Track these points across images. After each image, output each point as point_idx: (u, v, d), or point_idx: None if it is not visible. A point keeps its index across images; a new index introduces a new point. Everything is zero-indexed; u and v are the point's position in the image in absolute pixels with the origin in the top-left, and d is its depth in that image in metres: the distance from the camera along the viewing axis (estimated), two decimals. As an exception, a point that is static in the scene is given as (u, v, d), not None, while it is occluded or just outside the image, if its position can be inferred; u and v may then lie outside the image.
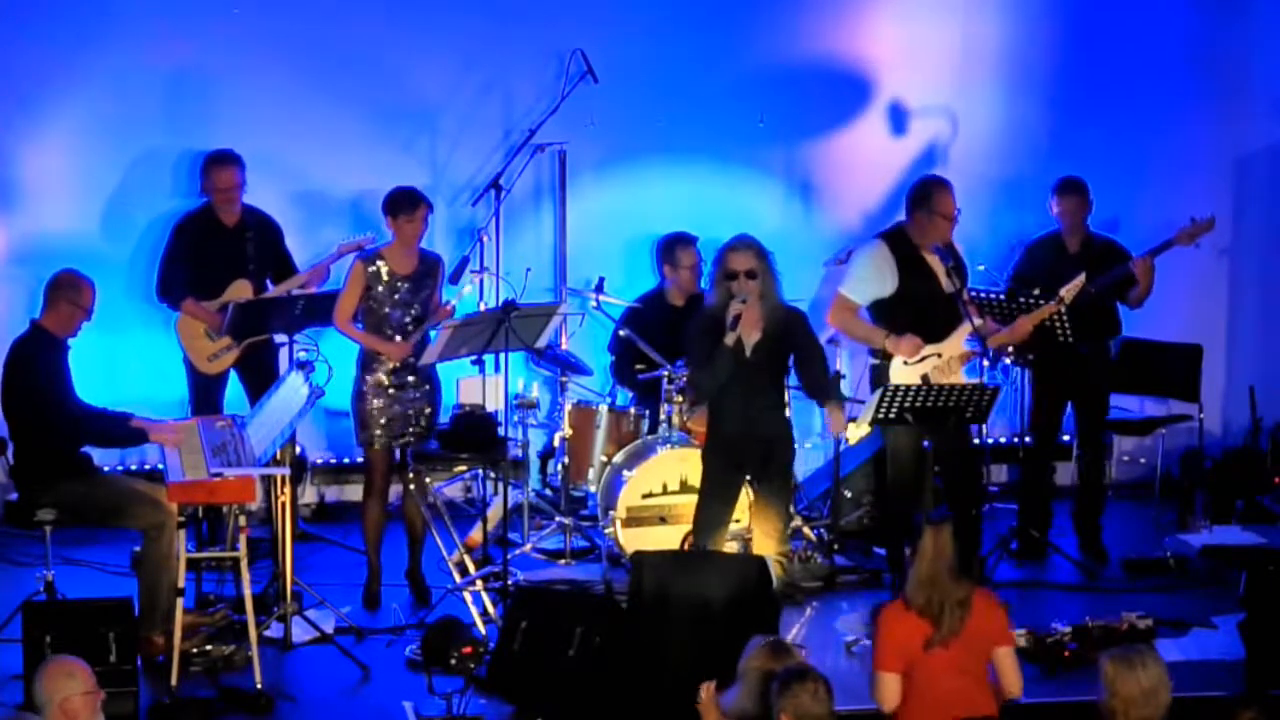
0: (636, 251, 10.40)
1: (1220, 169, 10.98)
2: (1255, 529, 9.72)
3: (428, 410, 8.92)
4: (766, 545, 8.23)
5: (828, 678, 5.93)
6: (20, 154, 10.20)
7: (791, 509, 9.60)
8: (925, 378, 8.64)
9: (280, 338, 9.43)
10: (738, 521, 8.63)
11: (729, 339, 8.07)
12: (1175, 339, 10.52)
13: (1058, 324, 9.21)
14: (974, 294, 9.03)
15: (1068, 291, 8.97)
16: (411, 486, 8.91)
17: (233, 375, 9.75)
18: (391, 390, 8.86)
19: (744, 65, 10.58)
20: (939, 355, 8.69)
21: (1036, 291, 9.12)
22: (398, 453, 8.94)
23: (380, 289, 8.85)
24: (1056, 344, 9.24)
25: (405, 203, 8.86)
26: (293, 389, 8.28)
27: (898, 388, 8.36)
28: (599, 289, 10.01)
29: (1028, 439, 9.75)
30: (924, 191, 8.76)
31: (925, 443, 8.50)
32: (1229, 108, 10.93)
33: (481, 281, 9.96)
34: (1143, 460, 10.94)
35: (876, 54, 10.70)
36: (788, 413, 8.49)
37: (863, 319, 8.79)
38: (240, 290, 9.60)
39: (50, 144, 10.18)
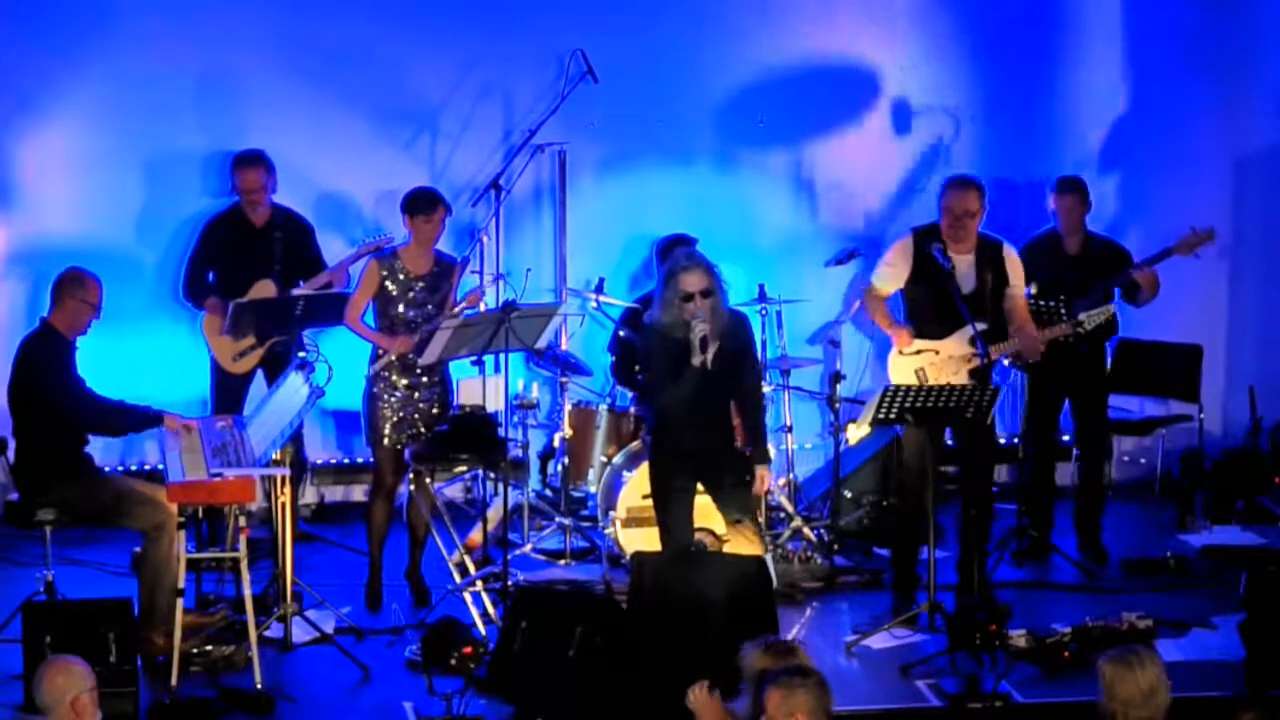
0: (636, 251, 10.40)
1: (1220, 169, 10.97)
2: (1255, 529, 9.72)
3: (436, 410, 8.92)
4: (747, 550, 8.19)
5: (826, 677, 5.93)
6: (20, 154, 10.20)
7: (789, 507, 9.67)
8: (920, 372, 8.69)
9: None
10: (707, 530, 8.63)
11: (697, 361, 7.99)
12: (1175, 339, 10.52)
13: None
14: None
15: (1089, 318, 9.01)
16: (413, 488, 8.91)
17: (258, 375, 9.76)
18: (403, 389, 8.87)
19: (744, 65, 10.58)
20: (936, 352, 8.74)
21: (1063, 297, 9.16)
22: (407, 453, 8.94)
23: (394, 288, 8.86)
24: (1054, 345, 9.24)
25: (423, 203, 8.88)
26: (293, 389, 8.28)
27: (898, 388, 8.38)
28: (599, 289, 10.02)
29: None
30: (941, 188, 8.91)
31: (949, 441, 8.55)
32: (1229, 108, 10.92)
33: (481, 281, 9.96)
34: (1143, 460, 10.94)
35: (877, 53, 10.70)
36: (736, 421, 8.45)
37: (888, 308, 8.96)
38: (263, 290, 9.59)
39: (51, 144, 10.18)
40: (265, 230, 9.69)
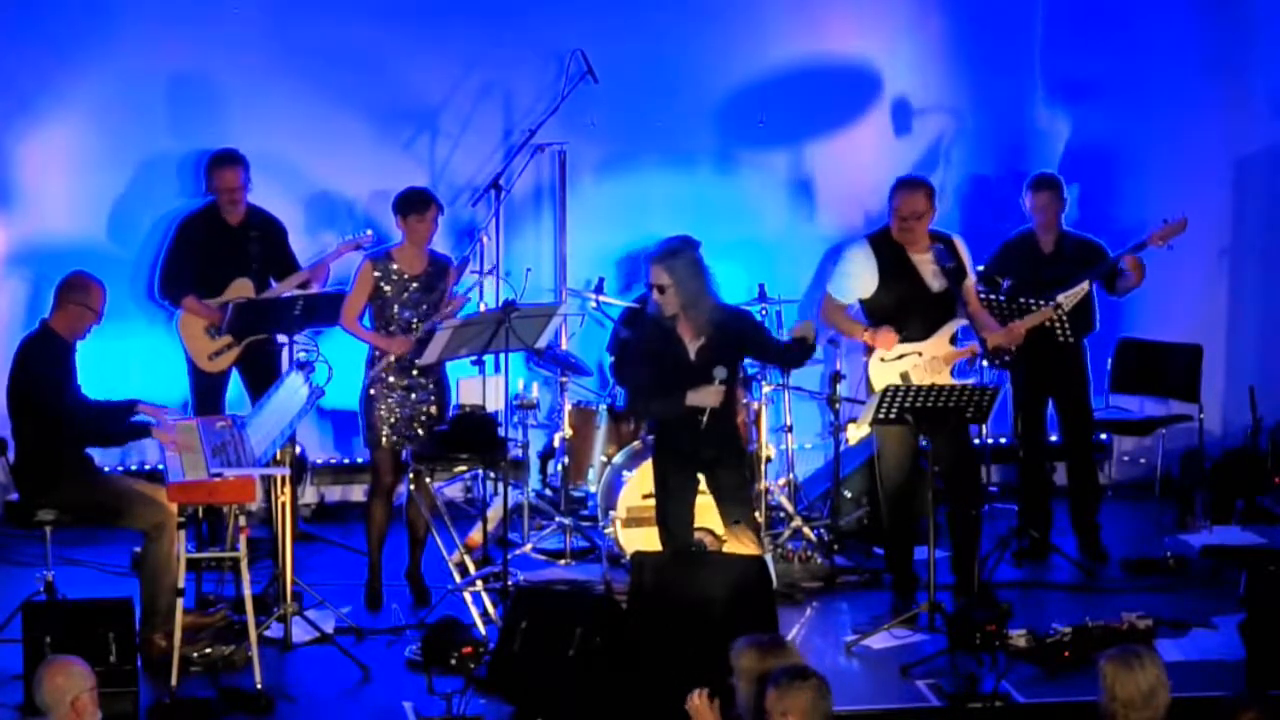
0: (636, 251, 10.39)
1: (1220, 169, 10.96)
2: (1255, 529, 9.73)
3: (434, 410, 8.91)
4: (743, 550, 8.20)
5: (826, 677, 5.92)
6: (20, 154, 10.19)
7: (789, 507, 9.67)
8: (905, 375, 8.67)
9: (281, 337, 9.43)
10: (707, 530, 8.64)
11: (694, 399, 8.01)
12: (1175, 339, 10.52)
13: (1058, 325, 9.23)
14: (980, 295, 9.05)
15: (1067, 299, 9.00)
16: (413, 487, 8.91)
17: (234, 374, 9.76)
18: (400, 390, 8.87)
19: (744, 65, 10.58)
20: (919, 354, 8.72)
21: (1000, 288, 9.16)
22: (405, 453, 8.93)
23: (389, 289, 8.85)
24: (1035, 343, 9.24)
25: (416, 203, 8.88)
26: (293, 389, 8.28)
27: (898, 388, 8.37)
28: (599, 289, 10.02)
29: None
30: (890, 190, 8.83)
31: (923, 442, 8.53)
32: (1230, 108, 10.91)
33: (481, 281, 9.97)
34: (1143, 460, 10.93)
35: (877, 53, 10.69)
36: (739, 419, 8.44)
37: (852, 316, 8.85)
38: (241, 289, 9.61)
39: (50, 144, 10.18)
40: (241, 229, 9.69)
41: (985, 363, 9.03)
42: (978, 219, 10.62)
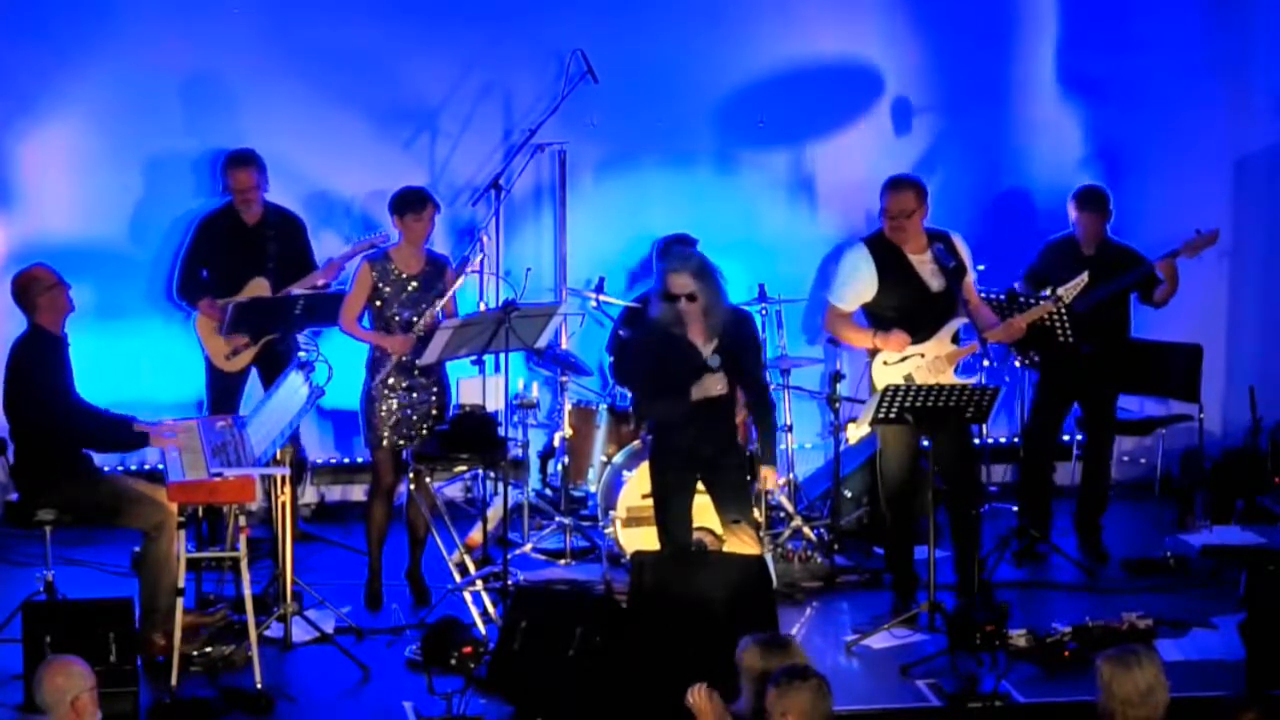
0: (636, 251, 10.39)
1: (1220, 169, 10.97)
2: (1255, 529, 9.72)
3: (435, 412, 8.91)
4: (744, 551, 8.19)
5: (826, 677, 5.93)
6: (20, 154, 10.20)
7: (789, 507, 9.67)
8: (909, 377, 8.66)
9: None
10: (707, 530, 8.64)
11: (697, 394, 8.02)
12: (1175, 339, 10.51)
13: (1058, 324, 9.23)
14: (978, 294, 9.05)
15: (1066, 291, 8.97)
16: (413, 487, 8.91)
17: (253, 373, 9.76)
18: (401, 390, 8.86)
19: (744, 65, 10.58)
20: (922, 355, 8.71)
21: (1047, 292, 9.12)
22: (405, 453, 8.93)
23: (388, 289, 8.85)
24: (1064, 345, 9.23)
25: (413, 202, 8.87)
26: (293, 389, 8.28)
27: (898, 388, 8.37)
28: (599, 289, 10.02)
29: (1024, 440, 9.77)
30: (880, 190, 8.82)
31: (925, 442, 8.53)
32: (1230, 108, 10.92)
33: (481, 280, 9.97)
34: (1143, 460, 10.94)
35: (877, 54, 10.69)
36: (738, 419, 8.44)
37: (857, 323, 8.83)
38: (257, 289, 9.61)
39: (51, 144, 10.18)
40: (258, 229, 9.70)
41: (1018, 363, 9.05)
42: (978, 219, 10.62)
